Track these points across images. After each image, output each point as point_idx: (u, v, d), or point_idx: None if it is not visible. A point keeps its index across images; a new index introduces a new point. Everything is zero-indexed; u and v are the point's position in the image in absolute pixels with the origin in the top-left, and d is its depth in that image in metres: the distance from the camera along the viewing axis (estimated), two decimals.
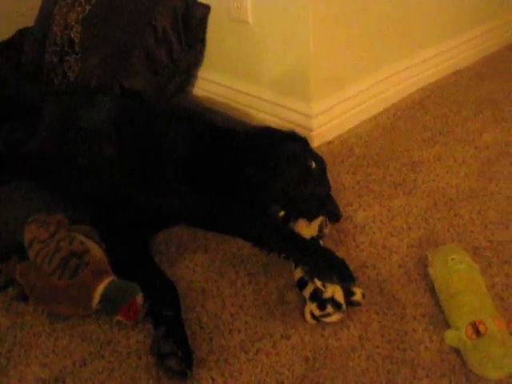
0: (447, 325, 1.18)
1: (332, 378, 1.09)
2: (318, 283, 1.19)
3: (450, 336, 1.13)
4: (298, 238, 1.29)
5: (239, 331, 1.20)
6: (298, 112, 1.77)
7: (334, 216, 1.36)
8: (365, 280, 1.30)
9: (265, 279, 1.32)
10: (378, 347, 1.15)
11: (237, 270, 1.35)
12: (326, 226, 1.34)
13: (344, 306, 1.18)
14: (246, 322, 1.22)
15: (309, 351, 1.15)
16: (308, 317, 1.19)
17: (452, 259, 1.25)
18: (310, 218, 1.36)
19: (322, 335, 1.18)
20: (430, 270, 1.27)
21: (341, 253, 1.37)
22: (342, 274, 1.20)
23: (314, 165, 1.41)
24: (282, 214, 1.43)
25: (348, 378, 1.09)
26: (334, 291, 1.18)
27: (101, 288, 1.20)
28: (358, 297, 1.20)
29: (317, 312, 1.18)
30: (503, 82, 2.20)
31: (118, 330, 1.21)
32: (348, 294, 1.20)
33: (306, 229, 1.33)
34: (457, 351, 1.13)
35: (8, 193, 1.59)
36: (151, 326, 1.21)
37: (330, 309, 1.17)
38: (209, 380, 1.10)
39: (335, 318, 1.19)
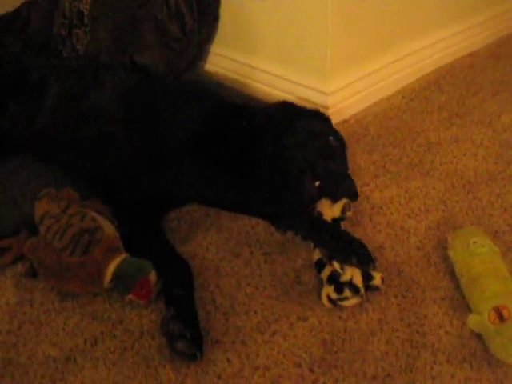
0: (468, 309, 1.15)
1: (351, 362, 1.06)
2: (336, 266, 1.15)
3: (473, 320, 1.10)
4: (316, 219, 1.26)
5: (255, 312, 1.17)
6: (313, 89, 1.73)
7: (353, 195, 1.31)
8: (383, 262, 1.27)
9: (281, 259, 1.29)
10: (397, 331, 1.12)
11: (252, 249, 1.32)
12: (350, 208, 1.30)
13: (362, 290, 1.15)
14: (261, 303, 1.19)
15: (327, 333, 1.12)
16: (325, 300, 1.16)
17: (474, 242, 1.21)
18: (330, 197, 1.30)
19: (340, 317, 1.15)
20: (451, 253, 1.24)
21: (358, 233, 1.34)
22: (361, 256, 1.16)
23: (334, 141, 1.36)
24: None
25: (367, 361, 1.06)
26: (353, 274, 1.15)
27: (113, 266, 1.16)
28: (376, 281, 1.17)
29: (334, 295, 1.15)
30: None
31: (130, 309, 1.18)
32: (367, 277, 1.17)
33: (329, 209, 1.29)
34: (478, 336, 1.10)
35: (15, 168, 1.55)
36: (163, 305, 1.17)
37: (347, 292, 1.14)
38: (224, 361, 1.07)
39: (352, 302, 1.16)
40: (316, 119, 1.44)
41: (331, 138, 1.37)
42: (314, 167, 1.30)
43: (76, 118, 1.48)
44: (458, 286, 1.21)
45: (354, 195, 1.31)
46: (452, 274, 1.23)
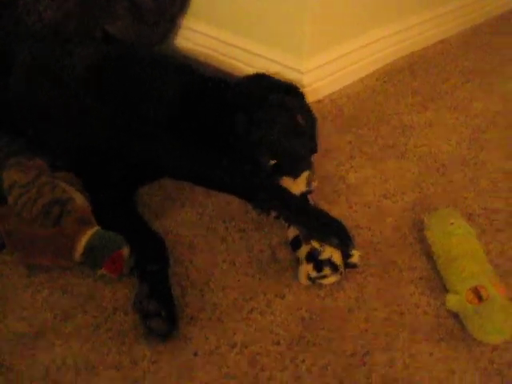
0: (444, 289, 1.16)
1: (329, 339, 1.05)
2: (315, 244, 1.13)
3: (451, 300, 1.10)
4: (292, 198, 1.22)
5: (232, 289, 1.14)
6: (289, 67, 1.70)
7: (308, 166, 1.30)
8: (359, 241, 1.26)
9: (257, 236, 1.26)
10: (375, 310, 1.12)
11: (227, 225, 1.29)
12: (314, 179, 1.27)
13: (342, 268, 1.13)
14: (238, 280, 1.16)
15: (305, 311, 1.10)
16: (303, 278, 1.14)
17: (451, 224, 1.22)
18: (288, 175, 1.28)
19: (318, 295, 1.14)
20: (428, 234, 1.24)
21: (334, 212, 1.32)
22: (341, 235, 1.15)
23: (301, 119, 1.34)
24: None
25: (346, 339, 1.05)
26: (332, 252, 1.13)
27: (85, 238, 1.12)
28: (355, 258, 1.16)
29: (313, 273, 1.13)
30: (490, 52, 2.18)
31: (102, 284, 1.14)
32: (345, 255, 1.15)
33: (294, 185, 1.26)
34: (455, 316, 1.10)
35: None
36: (137, 280, 1.13)
37: (327, 270, 1.12)
38: (201, 338, 1.04)
39: (332, 279, 1.15)
40: (289, 94, 1.40)
41: (299, 115, 1.34)
42: (272, 145, 1.27)
43: (45, 87, 1.41)
44: (434, 267, 1.21)
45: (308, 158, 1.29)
46: (428, 254, 1.23)
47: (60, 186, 1.15)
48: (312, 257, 1.14)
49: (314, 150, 1.37)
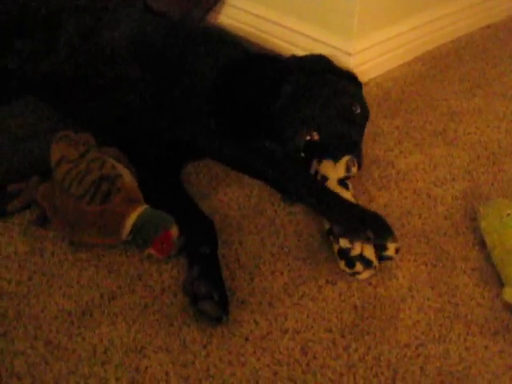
0: (499, 281, 1.12)
1: (383, 329, 1.02)
2: (343, 242, 1.08)
3: (509, 293, 1.06)
4: (325, 192, 1.16)
5: (281, 273, 1.11)
6: (336, 48, 1.65)
7: (352, 146, 1.25)
8: (410, 229, 1.23)
9: (306, 220, 1.24)
10: (428, 299, 1.08)
11: (275, 208, 1.26)
12: (354, 164, 1.22)
13: (375, 262, 1.09)
14: (288, 264, 1.13)
15: (357, 299, 1.07)
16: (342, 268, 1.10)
17: (508, 215, 1.17)
18: (335, 159, 1.24)
19: (370, 283, 1.11)
20: (482, 224, 1.20)
21: (384, 199, 1.30)
22: (378, 229, 1.08)
23: (358, 110, 1.29)
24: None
25: (399, 329, 1.02)
26: (363, 246, 1.08)
27: (133, 217, 1.09)
28: (390, 251, 1.09)
29: (346, 270, 1.10)
30: None
31: (148, 264, 1.11)
32: (380, 248, 1.09)
33: (333, 170, 1.22)
34: (511, 309, 1.07)
35: (20, 110, 1.45)
36: (185, 261, 1.10)
37: (359, 267, 1.08)
38: (252, 323, 1.02)
39: (366, 275, 1.10)
40: (349, 81, 1.36)
41: (356, 103, 1.30)
42: (332, 128, 1.23)
43: (89, 58, 1.38)
44: (487, 258, 1.17)
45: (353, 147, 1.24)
46: (481, 245, 1.20)
47: (109, 162, 1.13)
48: (343, 253, 1.09)
49: (358, 143, 1.31)
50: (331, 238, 1.12)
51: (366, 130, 1.35)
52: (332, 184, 1.19)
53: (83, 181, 1.08)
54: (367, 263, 1.08)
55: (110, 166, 1.12)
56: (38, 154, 1.22)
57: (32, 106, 1.46)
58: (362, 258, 1.08)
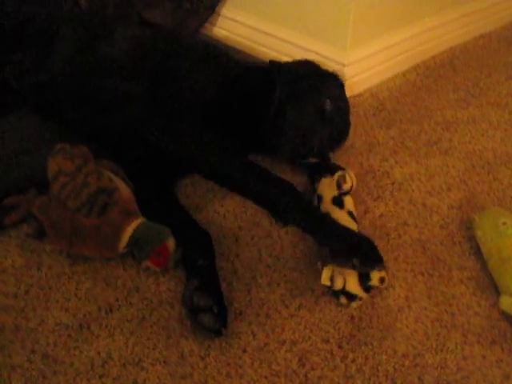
0: (495, 290, 1.12)
1: (380, 339, 1.02)
2: (322, 280, 1.06)
3: (506, 302, 1.07)
4: (317, 213, 1.17)
5: (278, 284, 1.11)
6: (330, 59, 1.66)
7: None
8: (407, 239, 1.23)
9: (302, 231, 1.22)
10: (425, 309, 1.08)
11: (271, 219, 1.25)
12: (345, 181, 1.22)
13: (360, 294, 1.06)
14: (284, 275, 1.14)
15: (354, 309, 1.07)
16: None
17: (503, 223, 1.17)
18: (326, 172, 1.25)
19: None
20: (478, 233, 1.20)
21: (380, 209, 1.30)
22: (365, 256, 1.05)
23: (328, 105, 1.29)
24: None
25: (397, 339, 1.02)
26: (346, 279, 1.05)
27: (130, 229, 1.09)
28: (374, 282, 1.06)
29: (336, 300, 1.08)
30: None
31: (145, 276, 1.11)
32: (364, 277, 1.06)
33: (327, 189, 1.22)
34: (508, 318, 1.07)
35: (14, 123, 1.44)
36: (182, 273, 1.11)
37: (343, 300, 1.07)
38: (249, 334, 1.02)
39: (357, 304, 1.08)
40: (329, 80, 1.38)
41: (327, 100, 1.30)
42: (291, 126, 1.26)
43: (85, 70, 1.38)
44: (483, 267, 1.17)
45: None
46: (477, 254, 1.20)
47: (106, 175, 1.13)
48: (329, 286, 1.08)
49: (342, 139, 1.34)
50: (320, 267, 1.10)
51: (359, 140, 1.36)
52: (326, 203, 1.20)
53: (80, 194, 1.08)
54: (351, 297, 1.06)
55: (107, 179, 1.12)
56: (35, 167, 1.22)
57: (28, 120, 1.45)
58: (344, 292, 1.06)
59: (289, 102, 1.31)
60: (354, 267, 1.03)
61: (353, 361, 0.99)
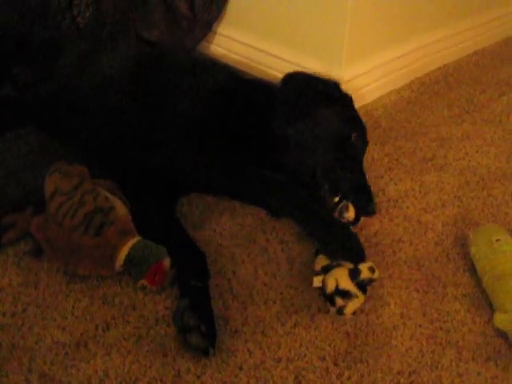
0: (489, 307, 1.13)
1: (375, 356, 1.03)
2: (315, 282, 1.10)
3: (500, 319, 1.08)
4: (310, 205, 1.18)
5: (274, 302, 1.12)
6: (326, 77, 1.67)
7: (364, 210, 1.25)
8: (401, 256, 1.24)
9: (298, 248, 1.25)
10: (420, 326, 1.09)
11: (267, 236, 1.27)
12: (347, 209, 1.21)
13: (355, 291, 1.07)
14: (280, 293, 1.14)
15: (349, 327, 1.08)
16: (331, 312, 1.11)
17: (497, 240, 1.19)
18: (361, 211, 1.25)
19: (362, 311, 1.12)
20: (472, 250, 1.21)
21: (375, 226, 1.32)
22: (352, 250, 1.11)
23: (356, 139, 1.30)
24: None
25: (392, 356, 1.03)
26: (338, 280, 1.07)
27: (126, 248, 1.11)
28: (364, 274, 1.08)
29: (332, 309, 1.09)
30: None
31: (142, 295, 1.12)
32: (354, 274, 1.08)
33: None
34: (502, 335, 1.07)
35: (13, 140, 1.45)
36: (178, 292, 1.11)
37: (339, 301, 1.07)
38: (245, 352, 1.02)
39: (351, 308, 1.08)
40: (336, 104, 1.35)
41: (354, 134, 1.30)
42: (332, 178, 1.24)
43: (84, 87, 1.40)
44: (478, 284, 1.18)
45: (366, 211, 1.25)
46: (472, 270, 1.21)
47: (102, 195, 1.14)
48: (323, 293, 1.09)
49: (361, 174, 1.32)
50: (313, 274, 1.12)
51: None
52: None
53: (77, 213, 1.09)
54: (346, 294, 1.07)
55: (104, 198, 1.13)
56: (33, 185, 1.23)
57: (29, 137, 1.46)
58: (338, 291, 1.07)
59: (300, 119, 1.30)
60: (338, 258, 1.09)
61: (348, 378, 0.99)
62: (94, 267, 1.11)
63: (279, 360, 1.01)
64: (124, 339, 1.03)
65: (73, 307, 1.10)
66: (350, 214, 1.22)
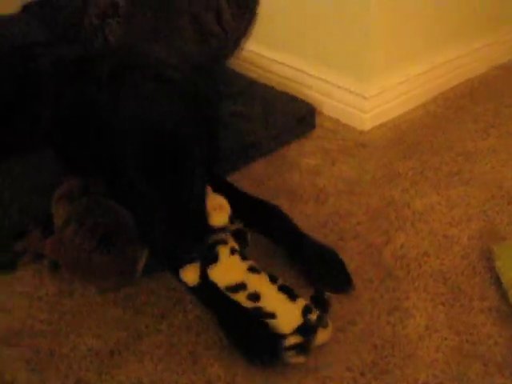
0: None
1: (402, 367, 1.04)
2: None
3: None
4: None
5: None
6: (351, 92, 1.71)
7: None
8: (427, 269, 1.25)
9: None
10: (446, 339, 1.10)
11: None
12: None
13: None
14: None
15: (376, 338, 1.09)
16: None
17: None
18: None
19: (388, 322, 1.13)
20: (497, 263, 1.22)
21: (401, 239, 1.33)
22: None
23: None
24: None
25: (418, 367, 1.04)
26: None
27: (143, 260, 1.16)
28: (312, 316, 1.05)
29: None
30: None
31: (173, 304, 1.15)
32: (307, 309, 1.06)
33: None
34: None
35: (10, 164, 1.47)
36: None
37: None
38: None
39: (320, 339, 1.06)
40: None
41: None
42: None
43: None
44: (504, 297, 1.18)
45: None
46: (497, 284, 1.21)
47: (106, 207, 1.16)
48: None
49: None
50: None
51: (380, 172, 1.39)
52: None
53: (94, 236, 1.12)
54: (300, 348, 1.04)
55: (111, 213, 1.15)
56: (32, 207, 1.29)
57: (33, 160, 1.47)
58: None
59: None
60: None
61: None
62: (116, 281, 1.15)
63: (307, 370, 1.03)
64: (156, 347, 1.07)
65: (107, 316, 1.13)
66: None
